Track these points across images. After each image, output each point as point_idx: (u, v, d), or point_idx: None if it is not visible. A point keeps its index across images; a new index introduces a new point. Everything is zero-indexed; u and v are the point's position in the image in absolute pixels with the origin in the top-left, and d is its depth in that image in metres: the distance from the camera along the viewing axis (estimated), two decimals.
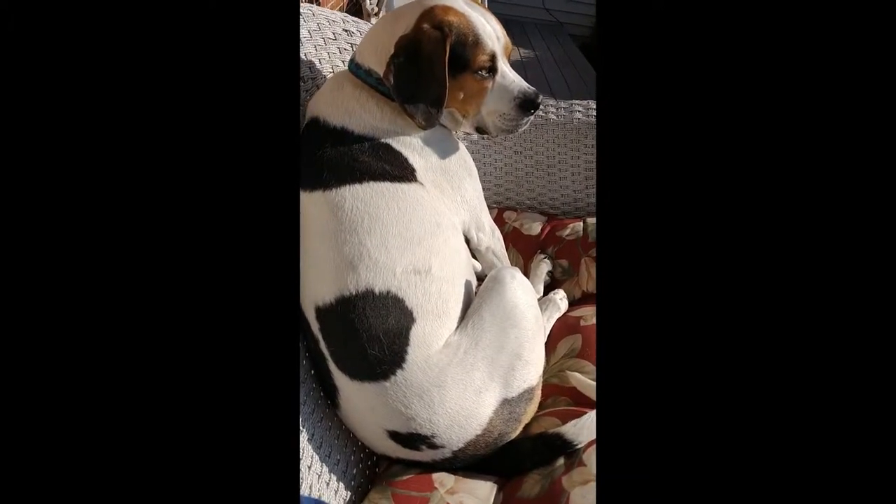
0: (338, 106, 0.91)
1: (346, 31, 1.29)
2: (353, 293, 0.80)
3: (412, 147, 0.91)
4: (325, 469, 0.81)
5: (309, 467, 0.78)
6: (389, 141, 0.89)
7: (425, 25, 0.86)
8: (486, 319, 0.83)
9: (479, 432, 0.81)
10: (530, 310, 0.87)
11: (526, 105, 0.92)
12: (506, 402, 0.82)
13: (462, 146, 1.01)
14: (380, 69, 0.89)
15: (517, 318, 0.84)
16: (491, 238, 1.02)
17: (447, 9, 0.88)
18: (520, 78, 0.94)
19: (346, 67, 0.99)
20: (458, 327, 0.85)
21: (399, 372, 0.78)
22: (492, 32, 0.90)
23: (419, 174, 0.91)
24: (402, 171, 0.89)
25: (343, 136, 0.88)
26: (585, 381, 0.90)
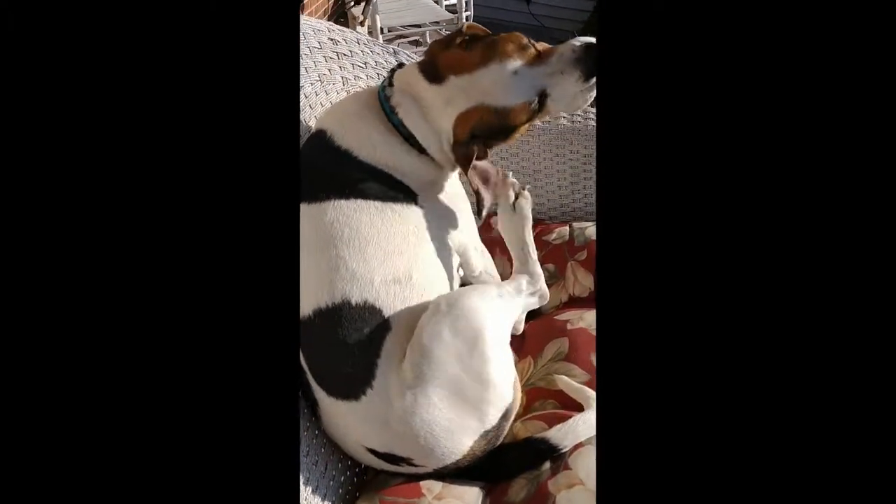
0: (354, 133, 0.86)
1: (332, 40, 1.29)
2: (329, 305, 0.78)
3: (419, 181, 0.89)
4: (313, 477, 0.81)
5: None
6: (394, 174, 0.86)
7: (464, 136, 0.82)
8: (439, 363, 0.77)
9: (458, 458, 0.80)
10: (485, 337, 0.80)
11: (588, 73, 0.78)
12: (485, 434, 0.81)
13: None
14: (408, 122, 0.85)
15: (476, 348, 0.79)
16: (481, 259, 1.02)
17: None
18: (556, 59, 0.79)
19: (370, 88, 0.93)
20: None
21: (369, 392, 0.77)
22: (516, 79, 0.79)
23: (420, 198, 0.89)
24: (399, 195, 0.86)
25: (346, 156, 0.85)
26: (573, 384, 0.90)
